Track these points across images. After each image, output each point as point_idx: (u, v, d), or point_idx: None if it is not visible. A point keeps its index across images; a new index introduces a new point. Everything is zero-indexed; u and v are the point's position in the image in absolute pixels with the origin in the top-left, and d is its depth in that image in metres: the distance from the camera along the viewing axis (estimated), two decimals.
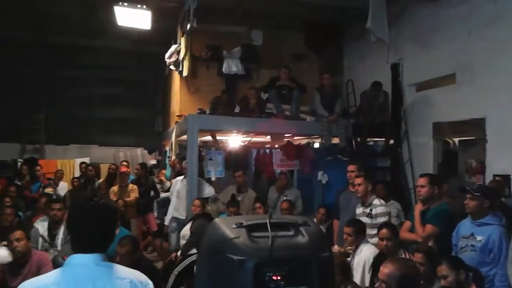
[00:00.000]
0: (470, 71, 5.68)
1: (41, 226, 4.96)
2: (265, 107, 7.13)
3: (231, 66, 7.94)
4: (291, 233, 1.54)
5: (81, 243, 1.63)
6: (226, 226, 1.56)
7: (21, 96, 10.75)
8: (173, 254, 5.90)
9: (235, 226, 1.52)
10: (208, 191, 6.69)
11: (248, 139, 7.82)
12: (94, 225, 1.65)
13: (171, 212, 6.69)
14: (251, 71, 8.22)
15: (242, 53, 8.00)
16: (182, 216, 6.52)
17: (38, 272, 3.75)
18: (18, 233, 3.75)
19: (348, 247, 3.89)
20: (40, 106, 10.68)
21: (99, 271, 1.60)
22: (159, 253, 7.23)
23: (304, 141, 8.07)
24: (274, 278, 1.41)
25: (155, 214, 7.78)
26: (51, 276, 1.61)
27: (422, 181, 4.24)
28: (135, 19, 7.27)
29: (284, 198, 6.40)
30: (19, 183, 8.02)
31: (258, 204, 5.95)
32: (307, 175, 7.39)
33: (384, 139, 7.01)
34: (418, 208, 4.27)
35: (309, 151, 7.38)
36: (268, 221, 1.51)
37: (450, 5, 6.09)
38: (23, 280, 3.65)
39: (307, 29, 8.41)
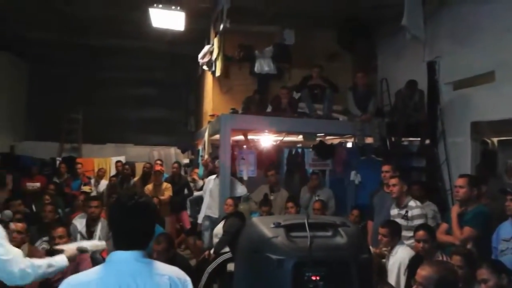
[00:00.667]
0: (510, 69, 5.49)
1: (79, 223, 5.12)
2: (297, 107, 7.10)
3: (263, 65, 7.95)
4: (329, 233, 1.54)
5: (122, 240, 1.68)
6: (264, 225, 1.57)
7: (60, 96, 11.16)
8: (206, 252, 5.97)
9: (273, 226, 1.53)
10: (241, 190, 6.73)
11: (280, 138, 7.82)
12: (135, 222, 1.69)
13: (204, 211, 6.77)
14: (283, 71, 8.21)
15: (274, 53, 8.00)
16: (215, 214, 6.59)
17: (76, 267, 3.86)
18: (60, 230, 3.87)
19: (383, 248, 3.84)
20: (78, 106, 11.03)
21: (139, 267, 1.64)
22: (192, 251, 7.33)
23: (336, 140, 8.00)
24: (313, 278, 1.41)
25: (188, 212, 7.89)
26: (94, 271, 1.66)
27: (461, 181, 4.13)
28: (169, 20, 7.38)
29: (317, 198, 6.38)
30: (57, 181, 8.32)
31: (290, 204, 5.94)
32: (339, 175, 7.33)
33: (419, 138, 6.87)
34: (455, 210, 4.17)
35: (342, 151, 7.32)
36: (306, 221, 1.52)
37: (489, 2, 5.90)
38: (63, 275, 3.81)
39: (340, 27, 8.32)
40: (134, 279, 1.59)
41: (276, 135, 7.64)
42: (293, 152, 8.76)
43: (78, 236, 4.93)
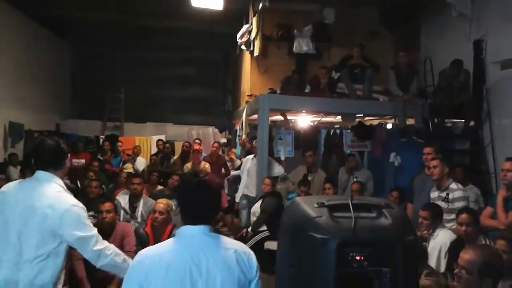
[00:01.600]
0: None
1: (123, 199, 5.31)
2: (336, 87, 6.99)
3: (302, 45, 7.84)
4: (374, 214, 1.54)
5: (189, 215, 1.78)
6: (307, 205, 1.59)
7: (103, 76, 11.49)
8: (244, 230, 6.09)
9: (316, 206, 1.55)
10: (278, 170, 6.77)
11: (318, 119, 7.76)
12: (200, 199, 1.78)
13: (241, 190, 6.86)
14: (322, 50, 8.08)
15: (313, 32, 7.86)
16: (252, 193, 6.67)
17: (122, 241, 4.03)
18: (108, 205, 4.02)
19: (424, 232, 3.79)
20: (120, 86, 11.31)
21: (207, 241, 1.73)
22: (229, 229, 7.46)
23: (376, 121, 7.86)
24: (357, 258, 1.42)
25: (226, 191, 8.01)
26: (167, 244, 1.76)
27: (508, 165, 3.99)
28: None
29: (355, 179, 6.32)
30: (101, 158, 8.61)
31: (328, 185, 5.93)
32: (378, 157, 7.22)
33: (463, 120, 6.65)
34: (501, 194, 4.04)
35: (382, 132, 7.19)
36: (350, 201, 1.52)
37: None
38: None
39: (382, 4, 8.07)
40: (204, 252, 1.68)
41: (313, 115, 7.58)
42: (331, 133, 8.67)
43: (122, 212, 5.13)
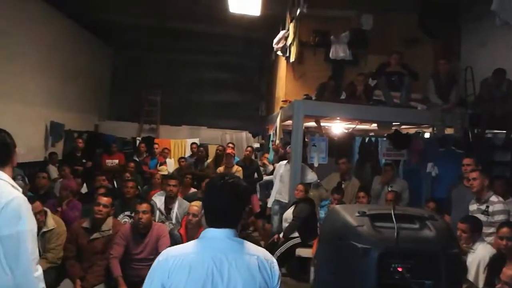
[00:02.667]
0: None
1: (158, 200, 5.41)
2: (372, 94, 6.91)
3: (339, 51, 7.80)
4: (416, 226, 1.51)
5: (214, 218, 1.75)
6: (348, 213, 1.57)
7: (141, 79, 11.79)
8: (276, 236, 6.08)
9: (358, 215, 1.53)
10: (311, 176, 6.73)
11: (352, 126, 7.67)
12: (225, 201, 1.75)
13: (274, 195, 6.86)
14: (359, 57, 8.00)
15: (350, 38, 7.81)
16: (285, 199, 6.66)
17: (157, 242, 4.10)
18: (145, 206, 4.09)
19: (464, 245, 3.68)
20: (157, 89, 11.55)
21: (231, 245, 1.71)
22: (260, 234, 7.47)
23: (412, 130, 7.70)
24: (399, 269, 1.40)
25: (258, 196, 8.03)
26: (191, 245, 1.75)
27: None
28: (246, 5, 7.45)
29: (389, 189, 6.21)
30: (137, 159, 8.81)
31: (361, 194, 5.85)
32: (414, 166, 7.06)
33: (505, 131, 6.42)
34: None
35: (419, 141, 7.04)
36: (392, 212, 1.50)
37: None
38: (144, 248, 4.06)
39: (422, 10, 7.91)
40: (226, 256, 1.66)
41: (348, 122, 7.51)
42: (366, 141, 8.57)
43: (157, 212, 5.22)
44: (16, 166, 7.05)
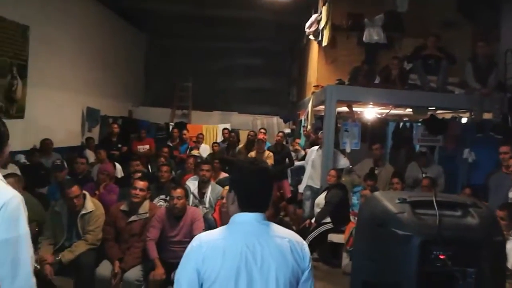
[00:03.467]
0: None
1: (192, 184, 5.49)
2: (407, 78, 6.75)
3: (372, 34, 7.60)
4: (459, 213, 1.49)
5: (244, 202, 1.76)
6: (388, 200, 1.56)
7: (174, 66, 11.92)
8: (307, 221, 6.10)
9: (398, 201, 1.52)
10: (343, 162, 6.69)
11: (386, 111, 7.53)
12: (256, 186, 1.76)
13: (305, 181, 6.85)
14: (394, 40, 7.79)
15: (385, 21, 7.58)
16: (316, 185, 6.65)
17: (191, 225, 4.18)
18: (179, 192, 4.15)
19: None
20: (189, 75, 11.66)
21: (262, 229, 1.72)
22: (292, 219, 7.50)
23: (449, 115, 7.50)
24: (441, 257, 1.39)
25: (289, 181, 8.03)
26: (222, 230, 1.76)
27: None
28: None
29: (424, 175, 6.11)
30: (170, 144, 8.95)
31: (395, 180, 5.79)
32: (450, 152, 6.90)
33: None
34: None
35: (455, 126, 6.86)
36: (434, 198, 1.48)
37: None
38: (179, 231, 4.15)
39: None
40: (258, 239, 1.67)
41: (381, 107, 7.38)
42: (400, 126, 8.41)
43: (191, 196, 5.31)
44: (53, 151, 7.06)
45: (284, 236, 1.74)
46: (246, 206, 1.76)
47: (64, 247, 4.05)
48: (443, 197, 1.55)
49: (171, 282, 3.93)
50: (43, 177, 6.05)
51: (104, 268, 3.95)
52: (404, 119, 8.51)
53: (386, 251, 1.49)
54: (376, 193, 1.71)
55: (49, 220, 4.21)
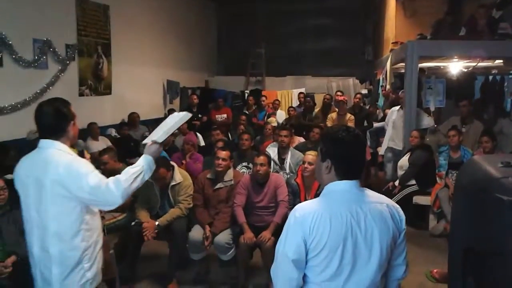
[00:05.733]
0: None
1: (272, 151, 5.57)
2: (497, 27, 6.21)
3: None
4: None
5: (343, 171, 1.74)
6: (489, 164, 1.49)
7: (245, 33, 11.94)
8: (390, 184, 5.99)
9: (501, 165, 1.44)
10: (427, 122, 6.42)
11: (473, 64, 7.02)
12: (353, 154, 1.75)
13: (386, 143, 6.69)
14: None
15: None
16: (398, 146, 6.46)
17: (275, 191, 4.29)
18: (262, 159, 4.24)
19: None
20: (261, 41, 11.62)
21: (360, 196, 1.72)
22: (372, 182, 7.39)
23: None
24: None
25: (368, 143, 7.87)
26: (321, 201, 1.76)
27: None
28: None
29: None
30: (247, 112, 9.09)
31: (485, 138, 5.43)
32: None
33: None
34: None
35: None
36: None
37: None
38: (264, 197, 4.27)
39: None
40: (361, 206, 1.68)
41: (467, 60, 6.88)
42: (490, 80, 7.82)
43: (272, 163, 5.40)
44: (138, 125, 7.43)
45: (382, 201, 1.75)
46: (344, 174, 1.74)
47: (158, 215, 4.35)
48: None
49: (258, 245, 4.11)
50: (133, 149, 6.48)
51: (196, 232, 4.20)
52: (493, 72, 7.89)
53: (489, 218, 1.43)
54: (475, 157, 1.63)
55: (143, 188, 4.50)
